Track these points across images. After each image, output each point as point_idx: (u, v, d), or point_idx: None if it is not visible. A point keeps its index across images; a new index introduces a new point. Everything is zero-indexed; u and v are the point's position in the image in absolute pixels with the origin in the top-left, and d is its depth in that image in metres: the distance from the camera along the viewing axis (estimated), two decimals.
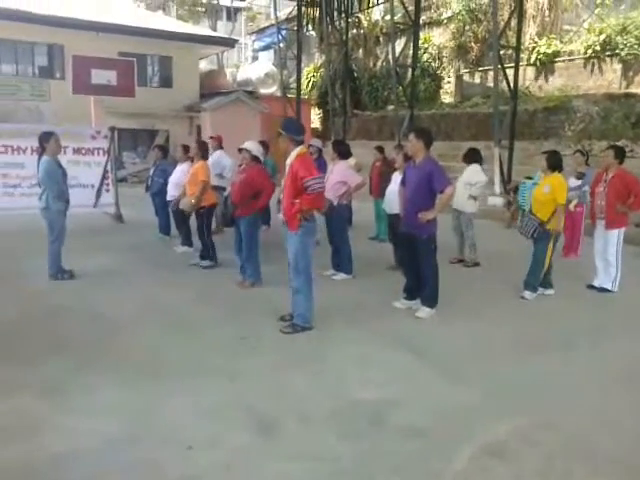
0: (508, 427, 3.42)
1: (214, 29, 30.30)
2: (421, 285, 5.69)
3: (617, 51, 16.56)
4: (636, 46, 16.17)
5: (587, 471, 2.99)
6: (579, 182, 7.87)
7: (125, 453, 3.09)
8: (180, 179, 8.22)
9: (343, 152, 7.34)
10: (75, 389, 3.85)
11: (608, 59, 16.99)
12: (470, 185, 7.69)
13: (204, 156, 7.67)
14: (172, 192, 8.40)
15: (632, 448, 3.22)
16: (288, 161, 4.96)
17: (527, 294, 6.27)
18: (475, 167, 7.84)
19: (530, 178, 11.20)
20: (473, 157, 7.93)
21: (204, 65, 26.21)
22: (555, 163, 6.22)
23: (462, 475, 2.95)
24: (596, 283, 6.70)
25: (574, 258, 8.20)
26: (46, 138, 6.58)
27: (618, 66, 16.78)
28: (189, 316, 5.51)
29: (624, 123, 13.58)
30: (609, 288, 6.55)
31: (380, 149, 9.73)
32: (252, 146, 6.53)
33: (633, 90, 15.71)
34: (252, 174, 6.40)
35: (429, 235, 5.47)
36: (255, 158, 6.45)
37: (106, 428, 3.34)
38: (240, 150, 6.54)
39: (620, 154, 6.52)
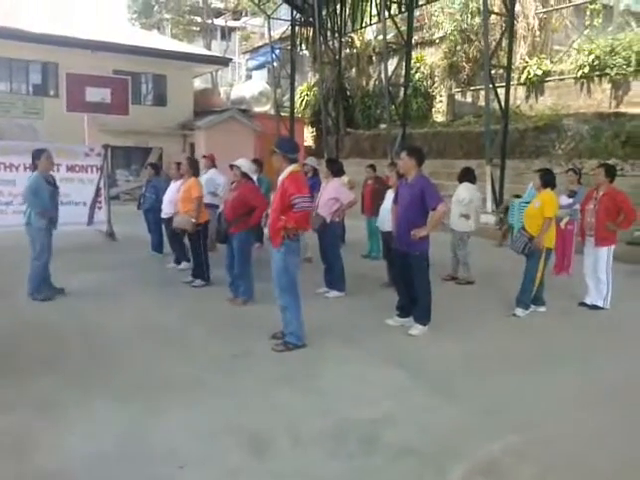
0: (501, 444, 3.41)
1: (208, 48, 30.56)
2: (414, 302, 5.70)
3: (606, 71, 16.79)
4: (624, 66, 16.41)
5: None
6: (570, 200, 7.93)
7: (117, 471, 3.07)
8: (174, 196, 8.24)
9: (336, 170, 7.40)
10: (66, 406, 3.81)
11: (597, 79, 17.20)
12: (459, 203, 7.74)
13: (195, 173, 7.67)
14: (167, 210, 8.40)
15: (623, 465, 3.21)
16: (280, 178, 4.99)
17: (519, 311, 6.28)
18: (466, 185, 7.90)
19: (519, 196, 11.31)
20: (465, 176, 7.99)
21: (198, 84, 26.39)
22: (548, 181, 6.31)
23: None
24: (587, 301, 6.72)
25: (565, 276, 8.24)
26: (37, 155, 6.56)
27: (607, 86, 17.00)
28: (181, 334, 5.48)
29: (614, 142, 13.71)
30: (600, 305, 6.58)
31: (372, 167, 9.78)
32: (242, 162, 6.58)
33: (622, 109, 15.89)
34: (244, 191, 6.42)
35: (421, 252, 5.49)
36: (245, 175, 6.49)
37: (98, 445, 3.31)
38: (231, 167, 6.57)
39: (611, 173, 6.59)
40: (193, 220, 7.23)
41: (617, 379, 4.55)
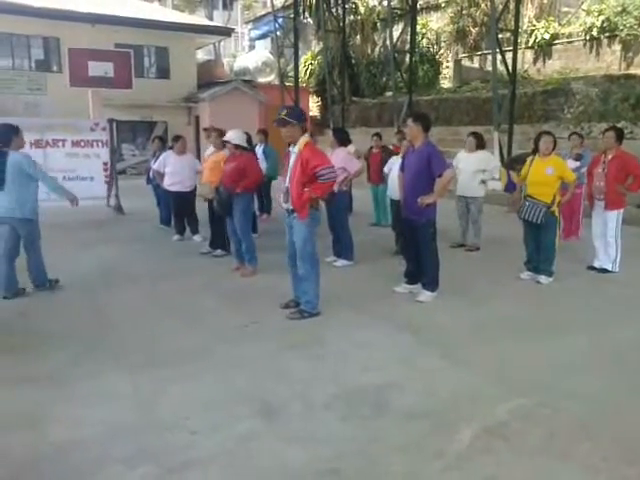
0: (509, 407, 3.44)
1: (210, 18, 30.12)
2: (421, 270, 5.72)
3: (616, 32, 16.45)
4: (636, 26, 16.06)
5: (587, 450, 3.01)
6: (578, 163, 7.85)
7: (129, 440, 3.12)
8: (178, 169, 8.30)
9: (342, 139, 7.37)
10: (77, 379, 3.88)
11: (607, 40, 16.88)
12: (483, 171, 7.68)
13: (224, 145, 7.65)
14: (169, 180, 8.46)
15: (631, 429, 3.24)
16: (295, 149, 4.93)
17: (543, 279, 6.24)
18: (484, 153, 7.84)
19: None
20: (482, 142, 7.91)
21: (201, 55, 26.10)
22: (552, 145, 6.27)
23: (465, 455, 2.98)
24: (596, 264, 6.70)
25: (575, 240, 8.21)
26: (16, 131, 5.76)
27: (618, 47, 16.68)
28: (191, 305, 5.54)
29: (623, 105, 13.51)
30: (609, 268, 6.56)
31: (378, 136, 9.72)
32: (231, 136, 6.58)
33: (633, 71, 15.62)
34: (240, 161, 6.45)
35: (428, 220, 5.48)
36: (238, 146, 6.48)
37: (109, 416, 3.37)
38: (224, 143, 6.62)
39: (620, 136, 6.51)
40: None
41: (624, 343, 4.56)
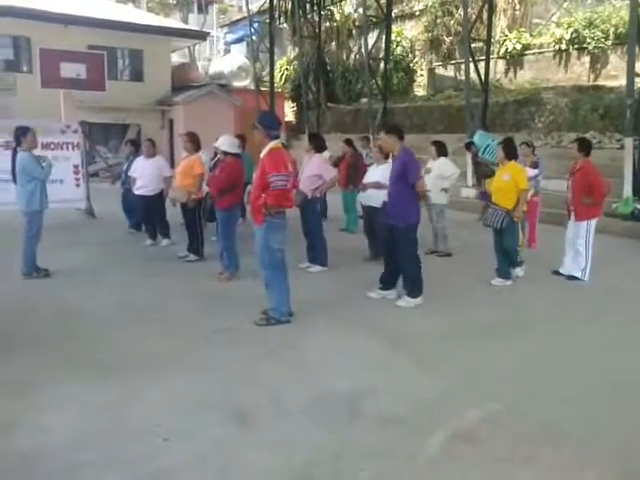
0: (479, 412, 3.50)
1: (185, 22, 29.94)
2: (397, 276, 5.77)
3: (585, 45, 16.84)
4: (603, 39, 16.47)
5: (551, 454, 3.07)
6: (536, 170, 8.00)
7: (99, 448, 3.08)
8: (147, 173, 8.31)
9: (318, 146, 7.39)
10: (45, 385, 3.81)
11: (576, 52, 17.26)
12: (444, 178, 7.80)
13: (197, 148, 7.61)
14: (140, 184, 8.42)
15: (595, 431, 3.32)
16: (261, 155, 4.98)
17: (495, 280, 6.43)
18: (445, 160, 7.97)
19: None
20: (443, 150, 8.05)
21: (176, 58, 25.90)
22: (512, 152, 6.44)
23: (435, 460, 3.01)
24: (561, 270, 6.84)
25: (533, 248, 8.32)
26: (23, 132, 6.47)
27: (586, 59, 17.07)
28: (164, 311, 5.49)
29: (593, 115, 13.82)
30: (578, 276, 6.67)
31: (348, 142, 9.84)
32: (220, 142, 6.61)
33: (601, 82, 15.99)
34: (227, 168, 6.44)
35: (407, 225, 5.56)
36: (227, 153, 6.48)
37: (78, 423, 3.32)
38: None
39: (584, 147, 6.65)
40: (193, 196, 7.29)
41: (590, 347, 4.68)
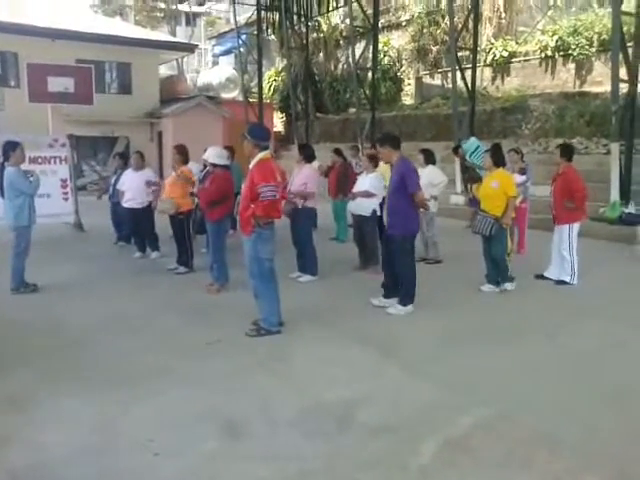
0: (472, 419, 3.49)
1: (173, 34, 30.01)
2: (397, 284, 5.79)
3: (570, 51, 17.04)
4: (587, 46, 16.67)
5: (546, 459, 3.07)
6: (524, 177, 8.06)
7: (91, 463, 3.04)
8: (134, 185, 8.31)
9: (308, 156, 7.41)
10: (38, 402, 3.77)
11: (562, 59, 17.45)
12: (432, 186, 7.82)
13: (185, 161, 7.59)
14: (129, 196, 8.39)
15: (591, 436, 3.32)
16: (250, 165, 4.98)
17: (486, 287, 6.48)
18: (433, 168, 8.00)
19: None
20: (431, 158, 8.09)
21: (164, 71, 25.92)
22: (500, 159, 6.48)
23: (429, 468, 2.99)
24: (550, 275, 6.87)
25: (521, 254, 8.37)
26: (12, 147, 6.45)
27: (572, 65, 17.26)
28: (154, 324, 5.45)
29: (579, 121, 13.95)
30: (567, 281, 6.72)
31: (337, 152, 9.87)
32: (208, 154, 6.61)
33: (586, 89, 16.16)
34: (217, 180, 6.44)
35: (403, 235, 5.58)
36: (215, 165, 6.48)
37: (72, 439, 3.28)
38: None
39: (566, 152, 6.71)
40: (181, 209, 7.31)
41: (582, 352, 4.69)
